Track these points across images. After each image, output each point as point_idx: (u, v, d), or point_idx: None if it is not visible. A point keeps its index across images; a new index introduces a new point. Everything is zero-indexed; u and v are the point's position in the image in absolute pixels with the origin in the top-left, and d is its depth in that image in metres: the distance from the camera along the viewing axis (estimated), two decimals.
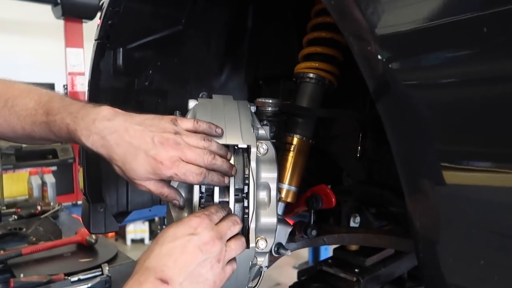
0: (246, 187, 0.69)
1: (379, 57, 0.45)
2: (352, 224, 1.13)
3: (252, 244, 0.68)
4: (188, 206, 0.69)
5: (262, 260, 0.73)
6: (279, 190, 0.96)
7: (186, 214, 0.68)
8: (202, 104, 0.75)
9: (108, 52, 1.05)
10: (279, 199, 0.97)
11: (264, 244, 0.71)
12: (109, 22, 0.97)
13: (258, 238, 0.71)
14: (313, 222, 0.99)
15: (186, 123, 0.68)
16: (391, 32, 0.44)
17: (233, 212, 0.68)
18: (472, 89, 0.42)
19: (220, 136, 0.69)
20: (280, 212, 0.98)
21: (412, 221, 0.43)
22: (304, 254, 4.00)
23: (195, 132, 0.68)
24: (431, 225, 0.42)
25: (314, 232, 0.99)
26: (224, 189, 0.69)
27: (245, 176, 0.69)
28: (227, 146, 0.69)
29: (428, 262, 0.42)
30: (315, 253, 3.80)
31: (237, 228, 0.65)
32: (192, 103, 0.75)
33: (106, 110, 0.66)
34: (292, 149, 0.98)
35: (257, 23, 1.21)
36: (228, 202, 0.68)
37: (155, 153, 0.63)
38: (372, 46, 0.43)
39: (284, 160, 0.97)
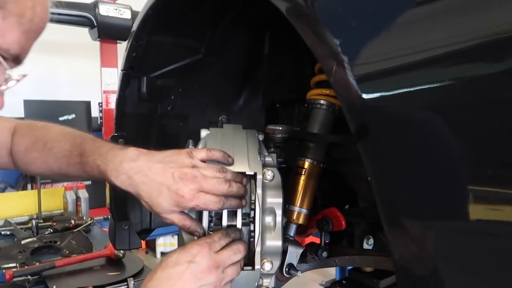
0: (252, 212, 0.73)
1: (362, 96, 0.49)
2: (365, 246, 1.14)
3: (257, 266, 0.72)
4: None
5: (268, 282, 0.77)
6: (291, 212, 1.01)
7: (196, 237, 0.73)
8: (212, 134, 0.81)
9: (133, 81, 1.13)
10: (291, 221, 1.00)
11: (269, 266, 0.75)
12: (133, 54, 1.05)
13: (264, 261, 0.75)
14: (324, 243, 1.02)
15: (200, 153, 0.75)
16: (370, 72, 0.48)
17: (242, 235, 0.72)
18: (453, 133, 0.45)
19: (231, 164, 0.75)
20: (291, 233, 1.01)
21: (393, 255, 0.45)
22: (332, 271, 3.97)
23: (210, 160, 0.74)
24: (410, 260, 0.44)
25: (324, 254, 1.01)
26: (232, 214, 0.74)
27: (252, 201, 0.73)
28: None
29: None
30: (343, 270, 3.75)
31: (238, 257, 0.69)
32: (204, 133, 0.81)
33: (131, 152, 0.74)
34: (303, 172, 1.01)
35: (273, 50, 1.26)
36: (235, 226, 0.73)
37: (176, 188, 0.69)
38: (352, 88, 0.48)
39: (296, 183, 1.01)
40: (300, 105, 1.26)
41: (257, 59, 1.29)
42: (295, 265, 0.98)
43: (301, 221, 1.01)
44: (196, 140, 0.82)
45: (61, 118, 4.36)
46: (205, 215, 0.72)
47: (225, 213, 0.73)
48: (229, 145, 0.77)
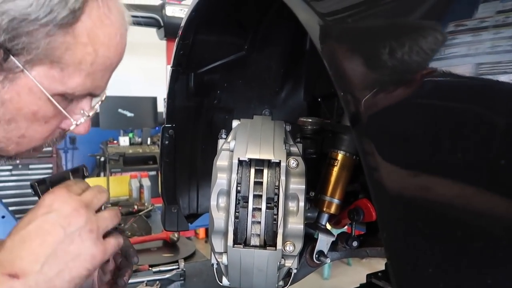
0: (276, 197, 0.79)
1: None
2: None
3: (279, 247, 0.78)
4: (225, 210, 0.81)
5: (291, 263, 0.82)
6: (322, 202, 1.05)
7: (224, 216, 0.81)
8: (243, 124, 0.88)
9: (182, 77, 1.24)
10: (322, 210, 1.04)
11: (291, 248, 0.80)
12: (181, 52, 1.15)
13: (287, 243, 0.80)
14: (355, 233, 1.05)
15: None
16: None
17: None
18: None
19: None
20: (323, 222, 1.05)
21: (383, 234, 0.49)
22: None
23: None
24: (400, 243, 0.47)
25: (355, 243, 1.04)
26: (258, 198, 0.80)
27: (276, 187, 0.79)
28: (261, 160, 0.81)
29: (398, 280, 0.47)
30: None
31: (104, 196, 0.64)
32: (235, 123, 0.88)
33: None
34: (336, 164, 1.04)
35: (314, 46, 1.30)
36: (260, 209, 0.79)
37: None
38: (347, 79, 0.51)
39: (329, 174, 1.05)
40: (339, 100, 1.28)
41: (299, 54, 1.34)
42: (325, 253, 1.02)
43: (332, 210, 1.05)
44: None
45: (121, 111, 4.71)
46: (233, 197, 0.79)
47: (251, 197, 0.79)
48: (257, 135, 0.83)
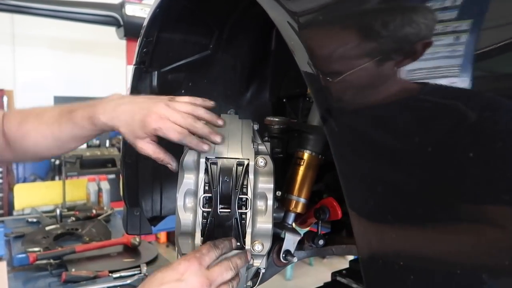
0: (244, 196, 0.78)
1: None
2: None
3: (247, 247, 0.77)
4: (193, 211, 0.79)
5: (259, 262, 0.81)
6: (289, 201, 1.05)
7: (191, 216, 0.78)
8: None
9: (145, 75, 1.20)
10: (289, 209, 1.05)
11: (260, 247, 0.79)
12: (144, 50, 1.12)
13: (256, 242, 0.80)
14: (321, 232, 1.05)
15: (182, 98, 0.78)
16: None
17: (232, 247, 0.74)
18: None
19: (213, 106, 0.81)
20: (290, 221, 1.05)
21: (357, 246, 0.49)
22: None
23: (191, 104, 0.77)
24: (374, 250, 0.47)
25: (321, 242, 1.05)
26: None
27: (244, 186, 0.78)
28: (229, 159, 0.79)
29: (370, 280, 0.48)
30: None
31: (230, 275, 0.67)
32: None
33: (115, 95, 0.80)
34: (302, 163, 1.05)
35: (279, 46, 1.31)
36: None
37: (147, 108, 0.73)
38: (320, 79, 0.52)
39: (295, 173, 1.05)
40: (304, 100, 1.30)
41: (264, 55, 1.34)
42: (292, 252, 1.03)
43: (299, 209, 1.05)
44: None
45: None
46: (200, 197, 0.77)
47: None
48: (224, 133, 0.82)
